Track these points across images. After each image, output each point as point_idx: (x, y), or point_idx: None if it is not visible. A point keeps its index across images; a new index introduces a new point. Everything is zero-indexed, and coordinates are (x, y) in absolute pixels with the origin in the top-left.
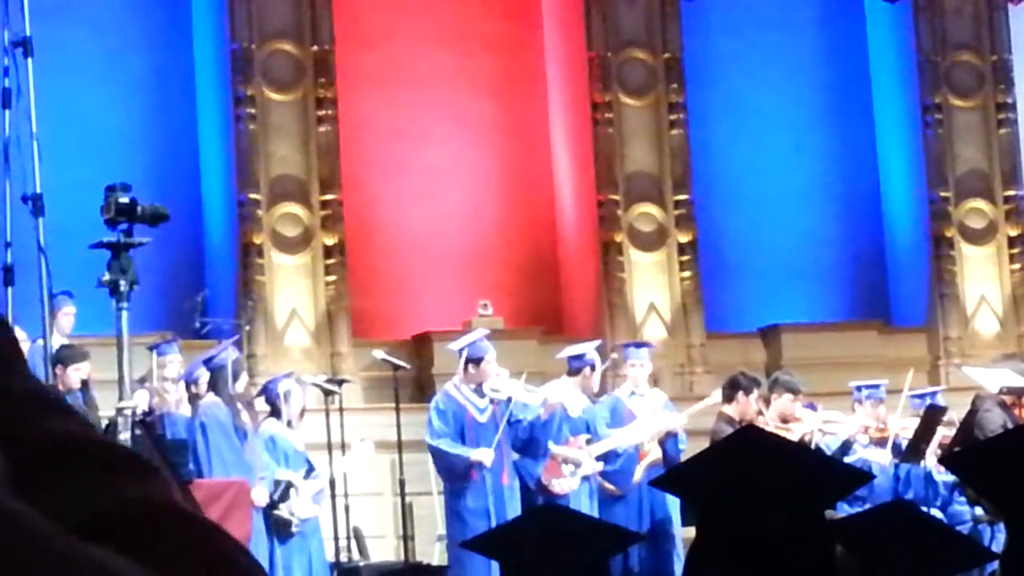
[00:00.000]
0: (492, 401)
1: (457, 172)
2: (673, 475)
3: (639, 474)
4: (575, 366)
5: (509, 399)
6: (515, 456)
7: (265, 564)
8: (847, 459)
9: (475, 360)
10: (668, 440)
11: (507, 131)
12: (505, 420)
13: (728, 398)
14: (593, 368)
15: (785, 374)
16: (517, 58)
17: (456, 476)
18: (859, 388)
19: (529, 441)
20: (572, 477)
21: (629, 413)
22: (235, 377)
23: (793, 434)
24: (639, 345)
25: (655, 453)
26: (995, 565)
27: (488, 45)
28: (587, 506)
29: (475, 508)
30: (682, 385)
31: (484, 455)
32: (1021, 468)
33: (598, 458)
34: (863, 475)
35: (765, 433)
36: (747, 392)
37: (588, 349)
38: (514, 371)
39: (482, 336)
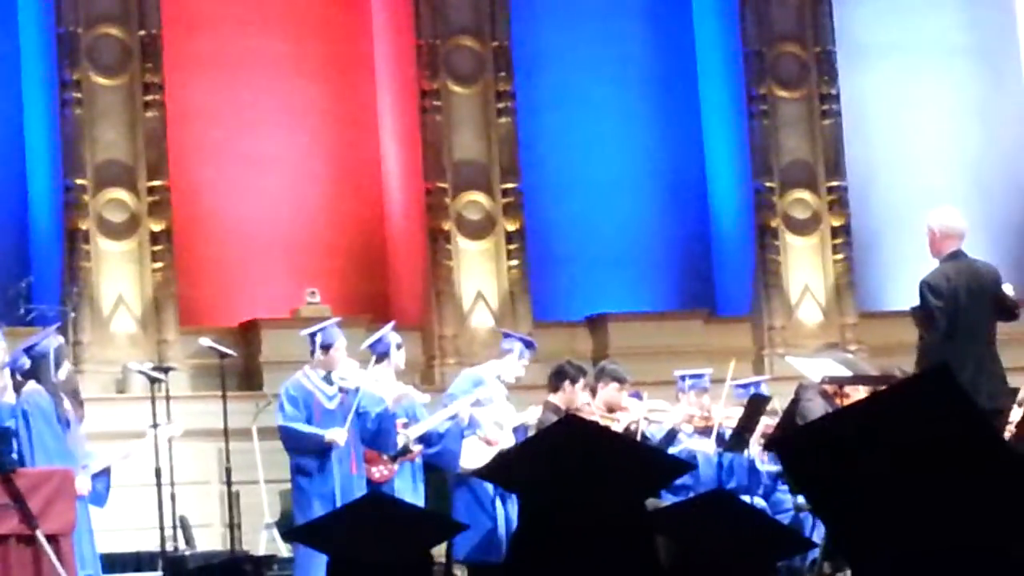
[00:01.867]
0: (341, 389)
1: (285, 159)
2: (496, 464)
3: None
4: (379, 351)
5: (357, 388)
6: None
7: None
8: (672, 448)
9: (325, 347)
10: (519, 430)
11: (335, 118)
12: (354, 409)
13: (554, 387)
14: (399, 347)
15: (611, 363)
16: (345, 44)
17: (308, 457)
18: (683, 377)
19: (378, 433)
20: (390, 464)
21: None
22: (57, 365)
23: (619, 423)
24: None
25: (508, 443)
26: (815, 553)
27: (316, 31)
28: (410, 492)
29: (322, 496)
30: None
31: (337, 434)
32: (835, 456)
33: (418, 440)
34: (684, 465)
35: (586, 422)
36: (573, 381)
37: (386, 331)
38: None
39: (332, 323)
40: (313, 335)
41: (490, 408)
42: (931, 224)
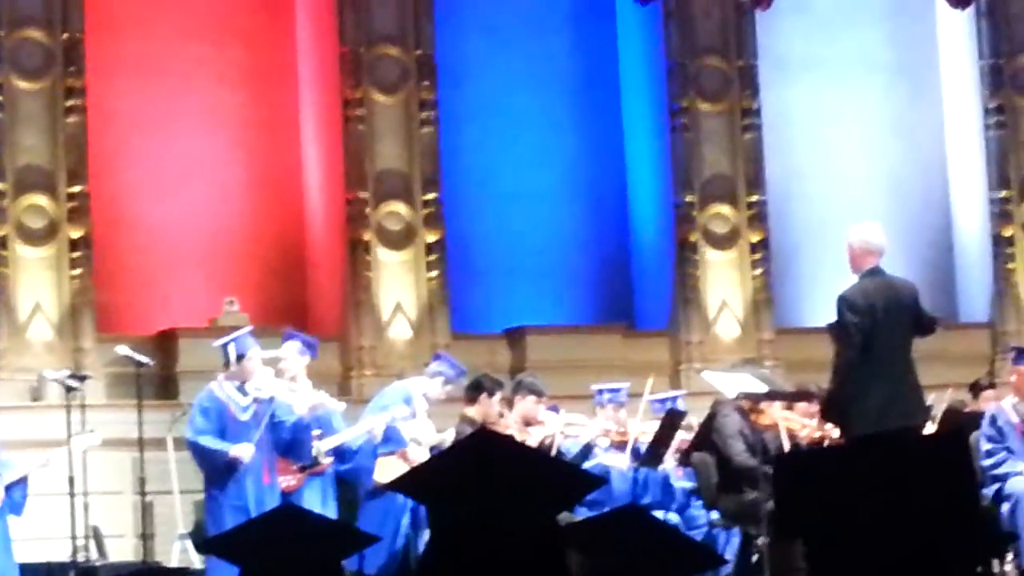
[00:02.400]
0: (255, 400)
1: (206, 166)
2: (408, 477)
3: None
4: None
5: (271, 398)
6: None
7: None
8: (588, 463)
9: (238, 357)
10: (435, 449)
11: (257, 125)
12: (267, 419)
13: (470, 400)
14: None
15: (528, 376)
16: (269, 52)
17: (216, 473)
18: (600, 392)
19: (292, 443)
20: (298, 474)
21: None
22: None
23: (534, 437)
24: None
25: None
26: (728, 569)
27: (240, 38)
28: (319, 505)
29: (235, 507)
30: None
31: (243, 450)
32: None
33: (333, 454)
34: (596, 480)
35: (499, 436)
36: (490, 394)
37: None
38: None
39: (246, 333)
40: (226, 346)
41: (411, 424)
42: (851, 240)
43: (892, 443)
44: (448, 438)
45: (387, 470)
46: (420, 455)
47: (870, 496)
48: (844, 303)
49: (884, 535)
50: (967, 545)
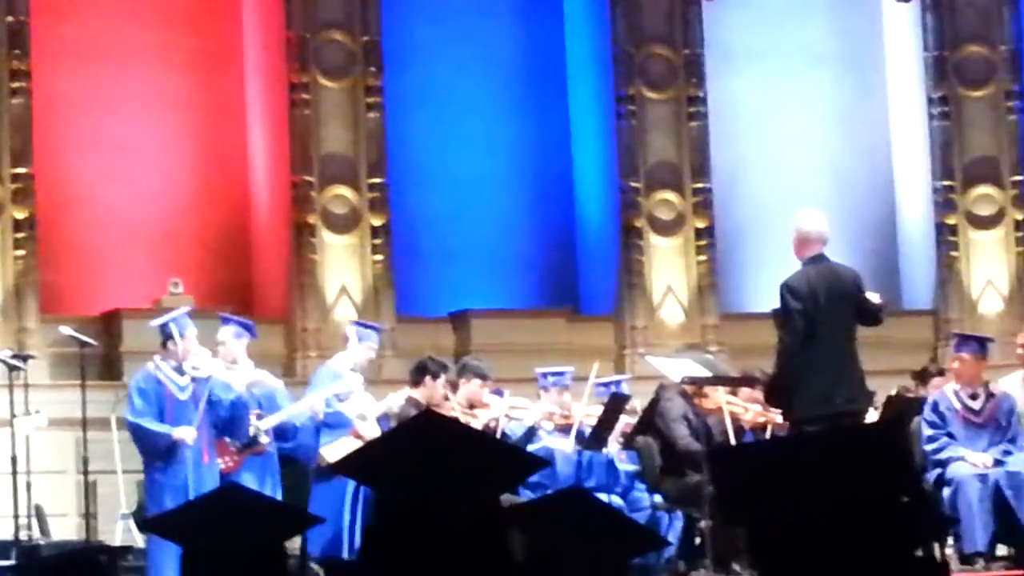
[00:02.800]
0: (193, 379)
1: (151, 149)
2: (352, 458)
3: None
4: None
5: (209, 377)
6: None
7: None
8: (532, 445)
9: (175, 337)
10: (382, 419)
11: (203, 109)
12: (205, 399)
13: (415, 382)
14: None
15: (473, 359)
16: (215, 35)
17: (157, 455)
18: (545, 375)
19: (230, 420)
20: (236, 455)
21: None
22: None
23: (479, 419)
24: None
25: (374, 433)
26: (671, 551)
27: (186, 22)
28: (256, 485)
29: (175, 487)
30: (371, 368)
31: (186, 433)
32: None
33: (271, 432)
34: (538, 461)
35: (443, 418)
36: (435, 376)
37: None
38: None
39: (183, 313)
40: (163, 325)
41: (351, 401)
42: (794, 227)
43: (831, 431)
44: (393, 404)
45: (340, 451)
46: (370, 429)
47: (809, 484)
48: (787, 290)
49: (824, 522)
50: (907, 531)
